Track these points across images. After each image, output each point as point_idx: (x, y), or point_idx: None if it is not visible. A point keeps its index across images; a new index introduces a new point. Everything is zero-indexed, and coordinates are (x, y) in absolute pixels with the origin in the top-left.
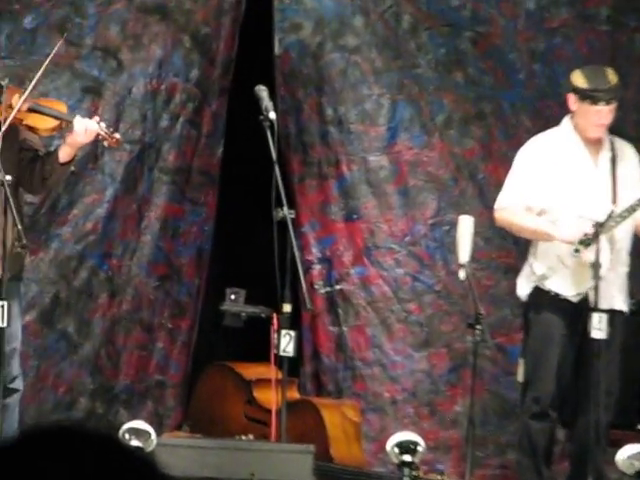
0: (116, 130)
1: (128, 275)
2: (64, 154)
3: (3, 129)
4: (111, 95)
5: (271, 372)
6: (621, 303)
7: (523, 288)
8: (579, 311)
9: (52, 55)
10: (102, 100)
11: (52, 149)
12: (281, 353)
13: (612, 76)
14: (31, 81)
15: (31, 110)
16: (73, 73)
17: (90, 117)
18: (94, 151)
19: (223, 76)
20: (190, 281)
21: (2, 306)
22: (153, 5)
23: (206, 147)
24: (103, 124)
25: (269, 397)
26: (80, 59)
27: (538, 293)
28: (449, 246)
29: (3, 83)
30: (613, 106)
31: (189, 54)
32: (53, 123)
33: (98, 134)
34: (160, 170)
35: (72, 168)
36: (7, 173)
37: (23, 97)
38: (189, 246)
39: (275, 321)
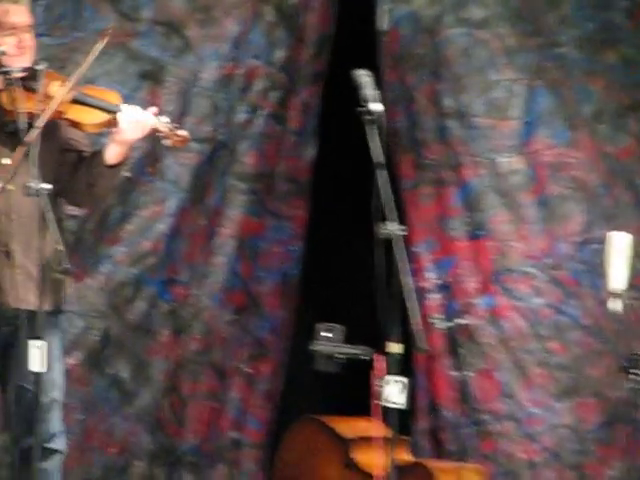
0: (180, 125)
1: (196, 307)
2: (111, 154)
3: (40, 122)
4: (175, 82)
5: (374, 429)
6: None
7: None
8: None
9: (92, 56)
10: (163, 88)
11: (98, 148)
12: (387, 404)
13: None
14: (76, 65)
15: (75, 101)
16: (127, 54)
17: (146, 108)
18: (153, 152)
19: (315, 58)
20: (273, 314)
21: (39, 347)
22: None
23: (294, 147)
24: (164, 118)
25: (372, 460)
26: (136, 37)
27: None
28: (600, 270)
29: (40, 68)
30: None
31: (273, 30)
32: (102, 117)
33: (155, 130)
34: (236, 176)
35: (125, 173)
36: (45, 180)
37: (66, 86)
38: (272, 270)
39: (379, 364)
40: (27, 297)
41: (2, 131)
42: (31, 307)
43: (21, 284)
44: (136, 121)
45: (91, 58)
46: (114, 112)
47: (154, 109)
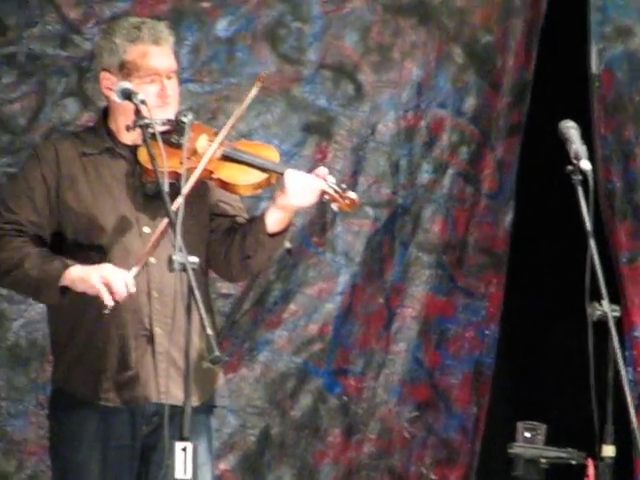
0: (352, 187)
1: (371, 402)
2: (274, 222)
3: (187, 188)
4: (346, 136)
5: None
6: None
7: None
8: None
9: (246, 104)
10: (332, 143)
11: (257, 214)
12: None
13: None
14: (227, 116)
15: (226, 158)
16: (289, 103)
17: (313, 167)
18: (321, 218)
19: (513, 107)
20: (463, 411)
21: (184, 449)
22: (408, 2)
23: (488, 212)
24: (331, 178)
25: None
26: (299, 82)
27: None
28: None
29: (186, 119)
30: None
31: (462, 74)
32: (258, 177)
33: (324, 193)
34: (419, 247)
35: (287, 244)
36: (192, 253)
37: (216, 140)
38: (462, 359)
39: (592, 470)
40: (171, 390)
41: (141, 194)
42: (176, 402)
43: (164, 374)
44: (305, 185)
45: (244, 108)
46: (273, 171)
47: (324, 170)
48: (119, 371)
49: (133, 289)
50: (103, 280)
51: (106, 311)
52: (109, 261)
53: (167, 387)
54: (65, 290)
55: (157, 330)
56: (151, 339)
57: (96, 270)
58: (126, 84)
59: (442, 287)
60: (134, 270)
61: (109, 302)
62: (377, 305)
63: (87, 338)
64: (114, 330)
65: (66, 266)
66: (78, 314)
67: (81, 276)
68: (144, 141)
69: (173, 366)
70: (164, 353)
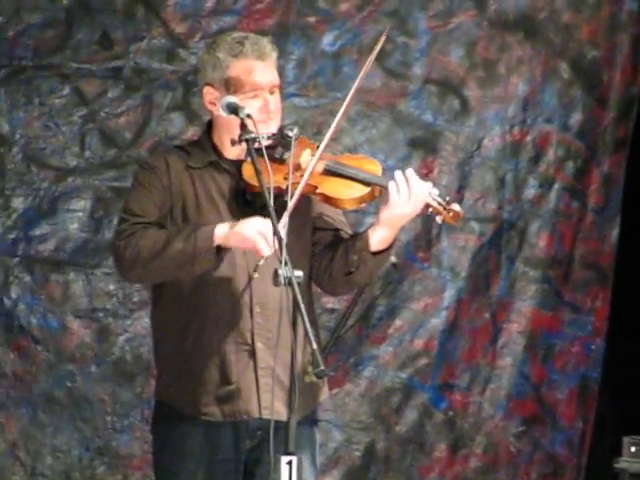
0: (458, 202)
1: (477, 417)
2: (378, 240)
3: (291, 203)
4: (452, 151)
5: None
6: None
7: None
8: None
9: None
10: (438, 158)
11: (361, 230)
12: None
13: None
14: (335, 133)
15: (328, 172)
16: (395, 118)
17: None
18: (426, 234)
19: (619, 122)
20: (570, 426)
21: (289, 462)
22: (515, 17)
23: (594, 227)
24: (435, 191)
25: None
26: (405, 97)
27: None
28: None
29: (292, 134)
30: None
31: (568, 89)
32: (362, 191)
33: (428, 205)
34: (525, 262)
35: (393, 258)
36: (296, 267)
37: (317, 153)
38: (568, 374)
39: None
40: (273, 405)
41: (244, 209)
42: (278, 417)
43: (266, 389)
44: (409, 194)
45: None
46: (377, 184)
47: (428, 185)
48: (220, 385)
49: (283, 238)
50: (258, 231)
51: (261, 262)
52: (212, 276)
53: (270, 402)
54: (219, 251)
55: (259, 345)
56: (253, 354)
57: (249, 222)
58: (232, 98)
59: (548, 302)
60: (284, 220)
61: (267, 252)
62: (483, 320)
63: (189, 352)
64: (216, 344)
65: (213, 227)
66: (181, 327)
67: (234, 229)
68: (249, 155)
69: (275, 381)
70: (266, 368)
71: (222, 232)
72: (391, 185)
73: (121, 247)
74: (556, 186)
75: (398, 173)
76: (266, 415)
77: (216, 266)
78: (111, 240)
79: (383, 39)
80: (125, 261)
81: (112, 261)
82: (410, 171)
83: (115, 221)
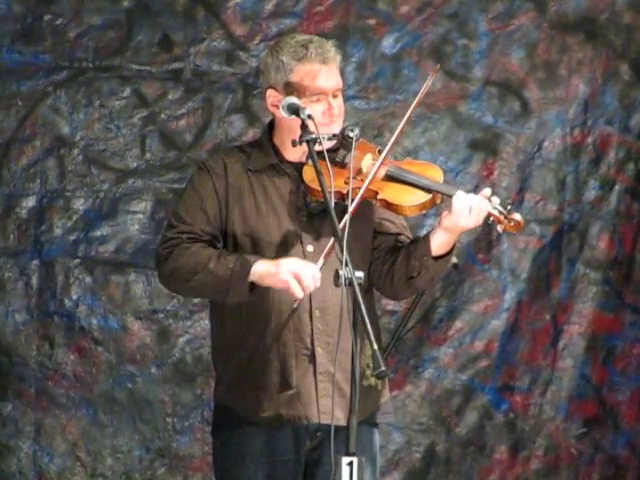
0: (519, 203)
1: (538, 418)
2: (439, 244)
3: (352, 208)
4: (512, 152)
5: None
6: None
7: None
8: None
9: (421, 94)
10: (499, 160)
11: (421, 232)
12: None
13: None
14: (393, 133)
15: (390, 178)
16: (455, 120)
17: (479, 184)
18: (487, 235)
19: None
20: (631, 427)
21: (350, 463)
22: (575, 19)
23: None
24: (496, 199)
25: None
26: (466, 99)
27: None
28: None
29: (353, 134)
30: None
31: (629, 91)
32: (423, 197)
33: (489, 214)
34: (586, 263)
35: (453, 259)
36: (357, 268)
37: (380, 158)
38: (630, 376)
39: None
40: (332, 410)
41: (304, 212)
42: (336, 422)
43: (324, 394)
44: (472, 206)
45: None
46: (438, 192)
47: (488, 190)
48: (280, 390)
49: (318, 283)
50: (293, 274)
51: (295, 305)
52: None
53: (328, 407)
54: (252, 287)
55: (318, 350)
56: (312, 358)
57: (284, 264)
58: (293, 99)
59: (609, 304)
60: (320, 262)
61: (299, 295)
62: (543, 322)
63: (249, 356)
64: (275, 349)
65: (252, 261)
66: (241, 331)
67: (269, 270)
68: (310, 156)
69: (335, 386)
70: (325, 373)
71: (258, 270)
72: (454, 200)
73: (162, 257)
74: (617, 187)
75: (460, 192)
76: (325, 420)
77: (251, 300)
78: (158, 244)
79: (432, 78)
80: (163, 273)
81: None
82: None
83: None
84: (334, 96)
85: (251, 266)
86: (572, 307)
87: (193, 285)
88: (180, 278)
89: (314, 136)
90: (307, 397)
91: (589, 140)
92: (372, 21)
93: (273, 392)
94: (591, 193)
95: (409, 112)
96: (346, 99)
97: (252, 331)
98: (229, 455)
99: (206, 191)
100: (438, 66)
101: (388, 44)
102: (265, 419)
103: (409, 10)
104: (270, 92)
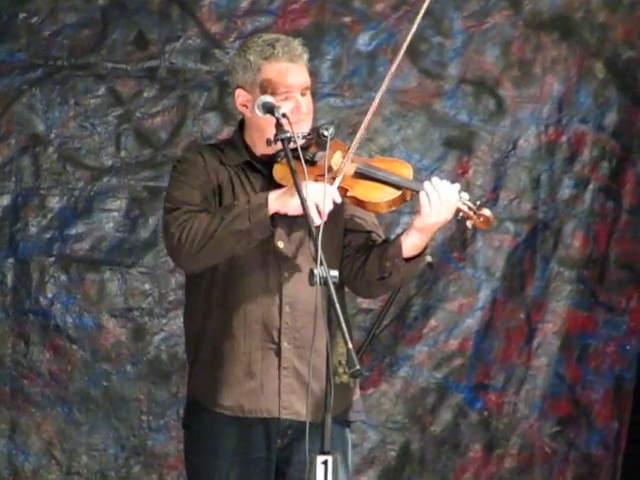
0: (493, 202)
1: (512, 416)
2: (411, 246)
3: (327, 207)
4: (487, 151)
5: None
6: None
7: None
8: None
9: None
10: (473, 158)
11: (397, 230)
12: None
13: None
14: (369, 131)
15: (359, 175)
16: (430, 118)
17: (454, 182)
18: (461, 234)
19: None
20: (605, 426)
21: (324, 462)
22: (550, 17)
23: (629, 227)
24: (465, 195)
25: None
26: (441, 97)
27: None
28: None
29: (327, 133)
30: None
31: (604, 90)
32: (392, 194)
33: (458, 210)
34: (560, 262)
35: (428, 258)
36: (329, 267)
37: (347, 157)
38: (603, 374)
39: None
40: (293, 406)
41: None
42: (297, 417)
43: (287, 389)
44: (441, 200)
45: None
46: (407, 188)
47: (456, 186)
48: (242, 381)
49: (339, 200)
50: (311, 199)
51: (280, 245)
52: (244, 273)
53: (290, 403)
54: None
55: (285, 344)
56: (278, 353)
57: (302, 189)
58: (268, 97)
59: (583, 302)
60: (337, 181)
61: (318, 221)
62: (518, 320)
63: (216, 347)
64: (242, 341)
65: (264, 195)
66: (210, 323)
67: (287, 197)
68: (285, 155)
69: (299, 382)
70: (290, 368)
71: (277, 199)
72: (422, 195)
73: (176, 234)
74: (591, 186)
75: (427, 183)
76: (285, 415)
77: (272, 232)
78: (163, 231)
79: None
80: (182, 246)
81: (167, 252)
82: (436, 179)
83: (151, 220)
84: (302, 94)
85: (267, 199)
86: (546, 305)
87: (215, 242)
88: (201, 242)
89: (289, 135)
90: (269, 391)
91: (563, 138)
92: (347, 19)
93: (236, 383)
94: (565, 192)
95: (369, 113)
96: (321, 97)
97: (221, 323)
98: (201, 451)
99: (193, 175)
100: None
101: (363, 42)
102: (226, 409)
103: (384, 8)
104: (239, 92)
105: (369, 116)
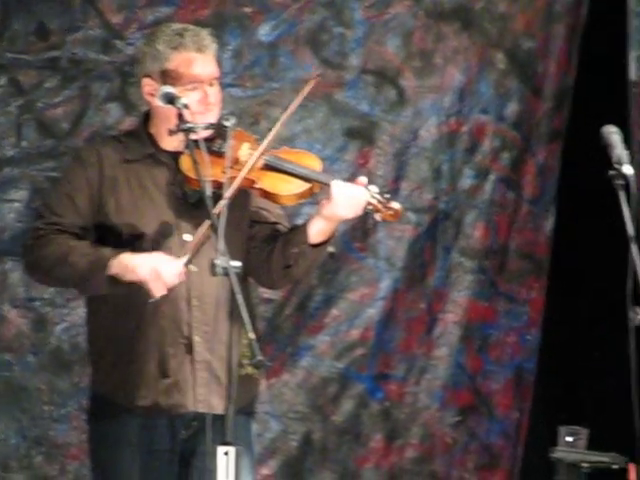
0: (394, 192)
1: (413, 407)
2: (317, 232)
3: (227, 196)
4: (388, 141)
5: None
6: None
7: None
8: None
9: (307, 89)
10: (375, 148)
11: (299, 220)
12: None
13: None
14: (271, 122)
15: (268, 167)
16: (331, 108)
17: (355, 172)
18: (363, 224)
19: (554, 113)
20: (505, 416)
21: (226, 453)
22: (450, 8)
23: (529, 218)
24: (374, 188)
25: None
26: (342, 88)
27: None
28: None
29: (229, 124)
30: None
31: (504, 80)
32: (301, 187)
33: (368, 204)
34: (461, 252)
35: (330, 248)
36: (234, 259)
37: (258, 149)
38: (504, 365)
39: (633, 475)
40: (209, 399)
41: (182, 202)
42: (213, 411)
43: (202, 383)
44: (352, 196)
45: (289, 114)
46: (317, 181)
47: (364, 179)
48: (157, 378)
49: (183, 277)
50: (153, 271)
51: (151, 300)
52: None
53: (206, 396)
54: (115, 280)
55: (196, 338)
56: (190, 347)
57: (146, 260)
58: (169, 88)
59: (484, 292)
60: (185, 258)
61: (157, 294)
62: (419, 310)
63: (126, 344)
64: (153, 337)
65: (113, 255)
66: (118, 319)
67: (127, 264)
68: (187, 146)
69: (212, 375)
70: (202, 362)
71: (121, 262)
72: (334, 185)
73: (27, 247)
74: (491, 177)
75: (338, 181)
76: (201, 409)
77: (116, 292)
78: (28, 231)
79: (312, 83)
80: (27, 263)
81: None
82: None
83: None
84: (210, 85)
85: (108, 260)
86: (447, 296)
87: (55, 276)
88: (42, 269)
89: (190, 125)
90: (184, 385)
91: (464, 129)
92: (248, 9)
93: (151, 380)
94: (466, 182)
95: (288, 112)
96: (223, 87)
97: (129, 319)
98: (105, 445)
99: (78, 182)
100: (318, 73)
101: (264, 32)
102: (142, 408)
103: None
104: (146, 81)
105: (287, 115)
